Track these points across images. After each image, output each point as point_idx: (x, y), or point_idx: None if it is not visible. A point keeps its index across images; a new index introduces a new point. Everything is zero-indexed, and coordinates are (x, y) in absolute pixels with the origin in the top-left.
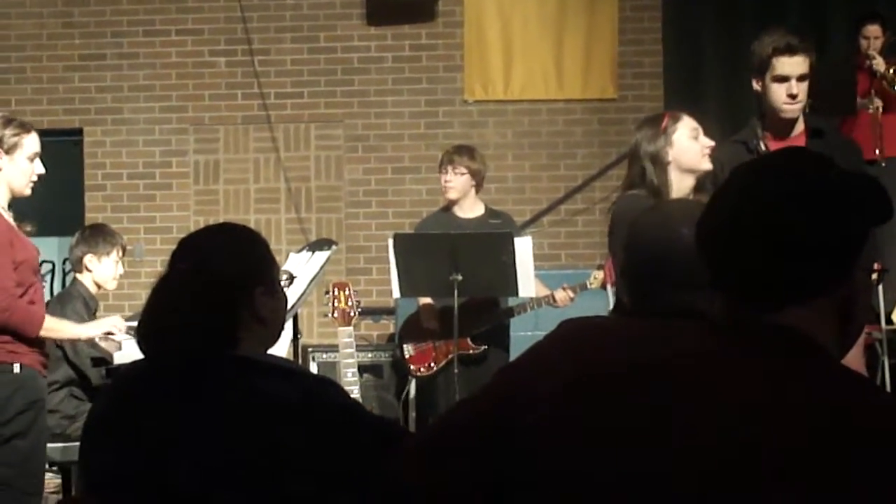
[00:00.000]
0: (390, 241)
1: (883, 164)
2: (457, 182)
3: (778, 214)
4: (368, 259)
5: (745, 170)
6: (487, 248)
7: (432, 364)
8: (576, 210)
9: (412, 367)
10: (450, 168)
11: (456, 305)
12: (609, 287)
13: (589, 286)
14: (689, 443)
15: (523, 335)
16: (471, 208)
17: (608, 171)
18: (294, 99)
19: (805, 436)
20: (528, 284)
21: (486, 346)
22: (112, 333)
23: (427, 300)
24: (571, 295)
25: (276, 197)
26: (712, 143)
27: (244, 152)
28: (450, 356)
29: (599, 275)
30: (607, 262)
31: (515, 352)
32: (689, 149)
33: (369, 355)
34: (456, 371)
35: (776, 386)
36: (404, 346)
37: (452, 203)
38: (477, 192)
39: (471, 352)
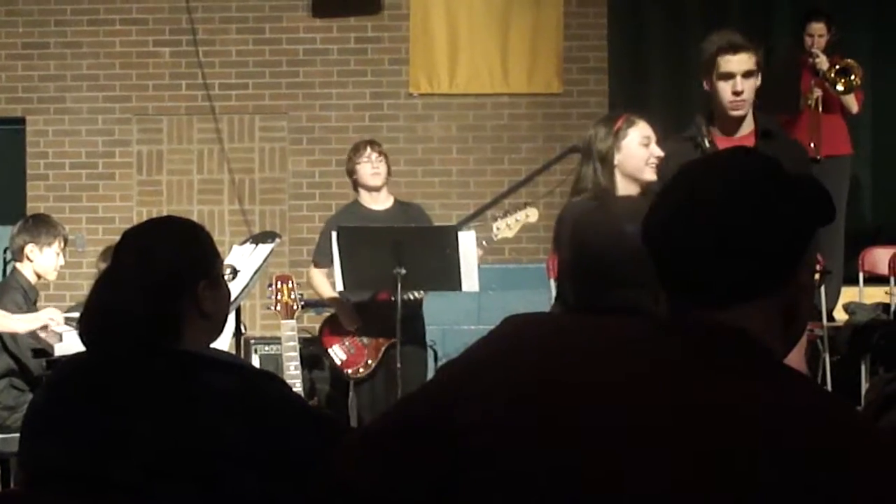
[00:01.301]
0: (334, 235)
1: (819, 159)
2: (382, 167)
3: (724, 213)
4: (312, 251)
5: (691, 167)
6: (432, 241)
7: (368, 362)
8: (519, 204)
9: (348, 371)
10: (373, 154)
11: (399, 299)
12: (552, 281)
13: (495, 237)
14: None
15: (466, 329)
16: (383, 200)
17: (552, 166)
18: (238, 90)
19: (755, 437)
20: (472, 278)
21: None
22: (48, 327)
23: (333, 295)
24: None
25: (220, 188)
26: (661, 154)
27: (188, 143)
28: (382, 349)
29: (503, 225)
30: (550, 256)
31: (453, 344)
32: (635, 155)
33: (312, 348)
34: (399, 366)
35: (723, 387)
36: (330, 351)
37: (372, 191)
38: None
39: (394, 341)
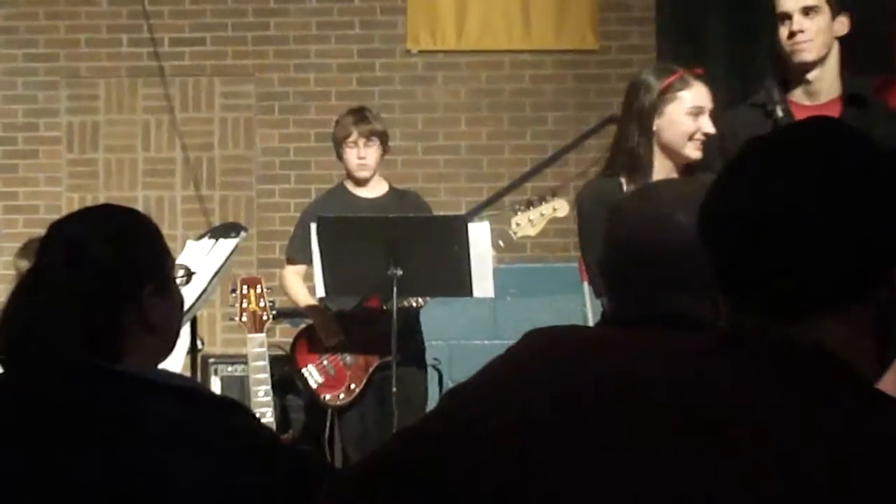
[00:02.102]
0: (313, 227)
1: None
2: (372, 156)
3: (803, 202)
4: (285, 247)
5: (763, 144)
6: (435, 235)
7: (352, 386)
8: (545, 189)
9: (326, 397)
10: (360, 140)
11: (395, 307)
12: (585, 284)
13: (512, 234)
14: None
15: (478, 344)
16: (375, 186)
17: (586, 141)
18: (194, 47)
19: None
20: (486, 281)
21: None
22: None
23: (311, 302)
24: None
25: (171, 169)
26: (711, 131)
27: (130, 113)
28: (371, 370)
29: (524, 220)
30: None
31: (462, 364)
32: (678, 125)
33: (286, 368)
34: (395, 391)
35: (802, 418)
36: (305, 371)
37: (360, 181)
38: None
39: (387, 360)
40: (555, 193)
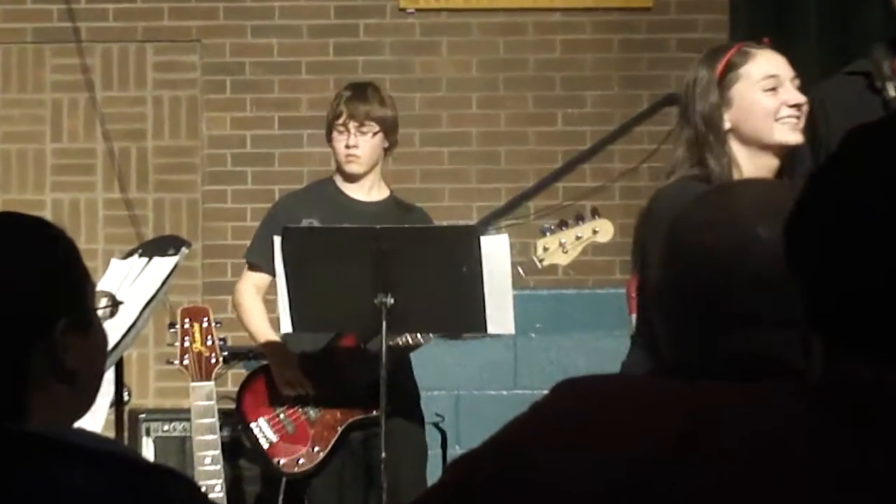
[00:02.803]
0: (277, 241)
1: None
2: (365, 147)
3: None
4: (240, 269)
5: (869, 135)
6: (437, 252)
7: (315, 449)
8: (583, 191)
9: (280, 461)
10: (351, 123)
11: (384, 345)
12: (633, 316)
13: (538, 262)
14: None
15: (493, 396)
16: (372, 188)
17: (635, 128)
18: (118, 3)
19: None
20: (503, 313)
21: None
22: None
23: (267, 334)
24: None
25: (89, 165)
26: (800, 100)
27: (36, 91)
28: (342, 428)
29: (553, 243)
30: (629, 282)
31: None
32: (754, 108)
33: (240, 427)
34: (384, 457)
35: None
36: (255, 427)
37: (350, 177)
38: (385, 157)
39: (366, 416)
40: (596, 212)
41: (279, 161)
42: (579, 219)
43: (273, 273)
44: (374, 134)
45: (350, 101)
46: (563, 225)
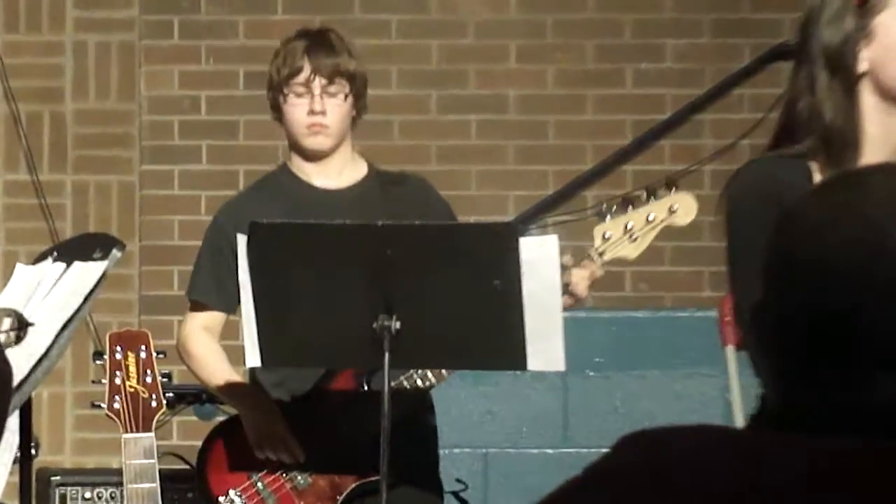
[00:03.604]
0: (241, 241)
1: None
2: (336, 113)
3: None
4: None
5: None
6: (461, 260)
7: None
8: (660, 176)
9: None
10: (317, 81)
11: (387, 385)
12: (730, 349)
13: (597, 257)
14: None
15: (535, 455)
16: (343, 168)
17: (733, 90)
18: None
19: None
20: (551, 344)
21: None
22: None
23: (233, 379)
24: (585, 275)
25: None
26: None
27: None
28: (339, 500)
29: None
30: (723, 302)
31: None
32: None
33: (191, 495)
34: None
35: None
36: (221, 502)
37: (312, 156)
38: (352, 128)
39: (370, 481)
40: (673, 183)
41: (245, 132)
42: (650, 195)
43: (228, 308)
44: (346, 96)
45: (312, 52)
46: (628, 204)
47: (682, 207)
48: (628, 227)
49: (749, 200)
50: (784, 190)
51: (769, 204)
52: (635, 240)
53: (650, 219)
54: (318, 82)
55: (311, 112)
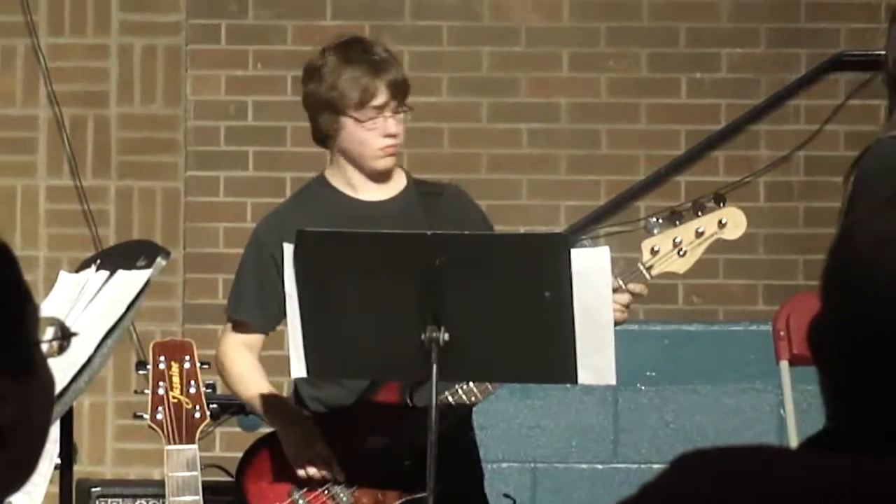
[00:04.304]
0: (286, 249)
1: None
2: (401, 133)
3: None
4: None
5: None
6: (510, 271)
7: None
8: (714, 187)
9: None
10: (390, 105)
11: (434, 400)
12: (783, 364)
13: (645, 271)
14: None
15: (585, 470)
16: (384, 180)
17: (790, 100)
18: None
19: None
20: (602, 358)
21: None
22: None
23: (278, 399)
24: (637, 290)
25: (29, 140)
26: None
27: None
28: None
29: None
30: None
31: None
32: None
33: None
34: None
35: None
36: None
37: (379, 177)
38: None
39: (413, 498)
40: (721, 197)
41: (292, 138)
42: (699, 209)
43: (269, 328)
44: (404, 113)
45: (383, 74)
46: (676, 218)
47: (732, 221)
48: (677, 241)
49: (878, 180)
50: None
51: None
52: (684, 254)
53: (699, 232)
54: (392, 104)
55: (388, 135)
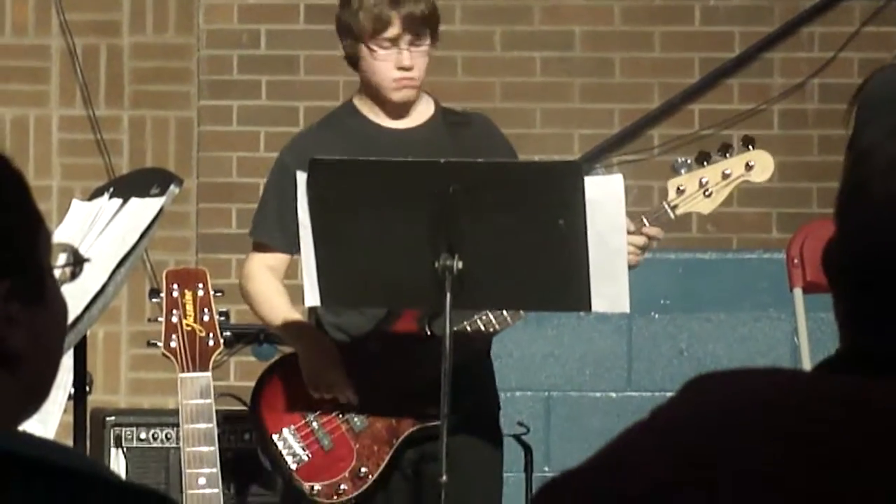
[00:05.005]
0: (300, 179)
1: None
2: (422, 65)
3: None
4: (248, 216)
5: None
6: (524, 198)
7: (362, 470)
8: (728, 115)
9: (315, 488)
10: (406, 36)
11: (448, 328)
12: (797, 292)
13: (670, 210)
14: None
15: (599, 398)
16: (416, 106)
17: (803, 27)
18: None
19: None
20: (616, 286)
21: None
22: None
23: (293, 317)
24: (653, 233)
25: (42, 69)
26: None
27: None
28: (397, 442)
29: (691, 183)
30: (792, 243)
31: (569, 434)
32: None
33: (248, 435)
34: (443, 480)
35: None
36: (277, 440)
37: (399, 108)
38: None
39: (427, 426)
40: (750, 141)
41: (305, 67)
42: (726, 150)
43: (289, 250)
44: (426, 46)
45: (400, 3)
46: (704, 159)
47: (759, 164)
48: (703, 181)
49: (876, 108)
50: None
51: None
52: (710, 195)
53: (726, 173)
54: (407, 37)
55: (401, 68)
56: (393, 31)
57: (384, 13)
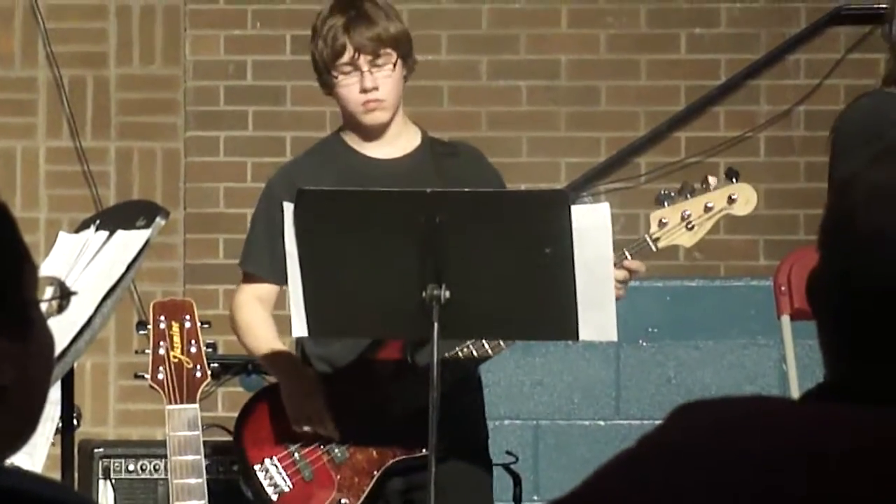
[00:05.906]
0: (287, 210)
1: None
2: (388, 85)
3: None
4: (235, 247)
5: None
6: (511, 228)
7: (342, 502)
8: (714, 143)
9: None
10: (363, 58)
11: (436, 357)
12: (785, 319)
13: (652, 243)
14: None
15: (588, 427)
16: (396, 138)
17: (789, 55)
18: None
19: None
20: (603, 314)
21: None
22: None
23: (276, 347)
24: (634, 267)
25: (28, 101)
26: None
27: None
28: (378, 472)
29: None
30: (785, 263)
31: (557, 463)
32: None
33: (235, 467)
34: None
35: None
36: (258, 471)
37: (369, 132)
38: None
39: (411, 457)
40: (733, 173)
41: (292, 98)
42: (706, 184)
43: (281, 280)
44: (394, 64)
45: (352, 28)
46: (687, 191)
47: (742, 197)
48: (685, 214)
49: (852, 137)
50: (890, 128)
51: (872, 141)
52: (692, 228)
53: (709, 206)
54: (363, 59)
55: (364, 90)
56: (348, 55)
57: (338, 39)
